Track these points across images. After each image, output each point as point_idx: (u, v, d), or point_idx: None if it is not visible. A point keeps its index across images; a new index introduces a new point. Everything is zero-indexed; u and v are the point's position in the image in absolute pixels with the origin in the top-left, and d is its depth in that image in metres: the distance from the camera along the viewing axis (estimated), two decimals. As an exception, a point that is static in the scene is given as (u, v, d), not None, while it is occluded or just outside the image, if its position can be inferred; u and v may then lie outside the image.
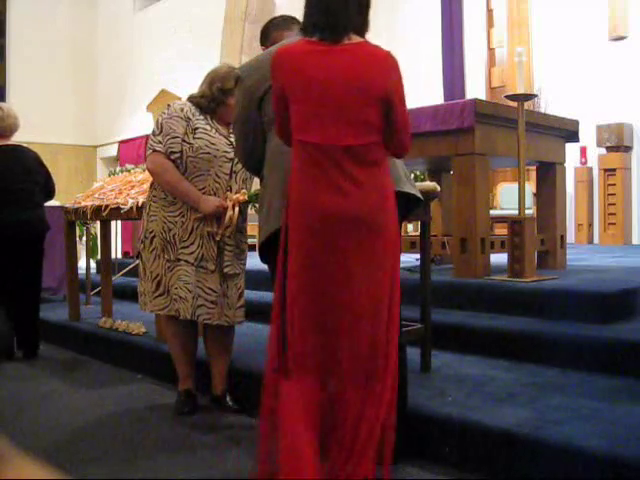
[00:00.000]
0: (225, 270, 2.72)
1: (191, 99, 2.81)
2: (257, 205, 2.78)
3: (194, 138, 2.69)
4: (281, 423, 1.76)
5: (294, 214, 1.81)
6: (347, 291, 1.77)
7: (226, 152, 2.72)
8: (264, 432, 1.85)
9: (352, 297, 1.77)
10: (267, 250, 2.12)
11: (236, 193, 2.74)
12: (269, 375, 1.86)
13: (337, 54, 1.80)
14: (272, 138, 2.11)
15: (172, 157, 2.69)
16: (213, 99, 2.76)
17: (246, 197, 2.74)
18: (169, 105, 2.80)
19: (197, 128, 2.70)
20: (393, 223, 1.82)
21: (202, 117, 2.74)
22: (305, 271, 1.79)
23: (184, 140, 2.69)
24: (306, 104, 1.78)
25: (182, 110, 2.73)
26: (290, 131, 1.83)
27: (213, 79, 2.78)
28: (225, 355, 2.86)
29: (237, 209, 2.68)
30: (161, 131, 2.72)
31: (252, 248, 3.22)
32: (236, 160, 2.72)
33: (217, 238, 2.69)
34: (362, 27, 1.84)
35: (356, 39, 1.81)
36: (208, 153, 2.68)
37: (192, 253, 2.69)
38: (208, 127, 2.73)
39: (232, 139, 2.75)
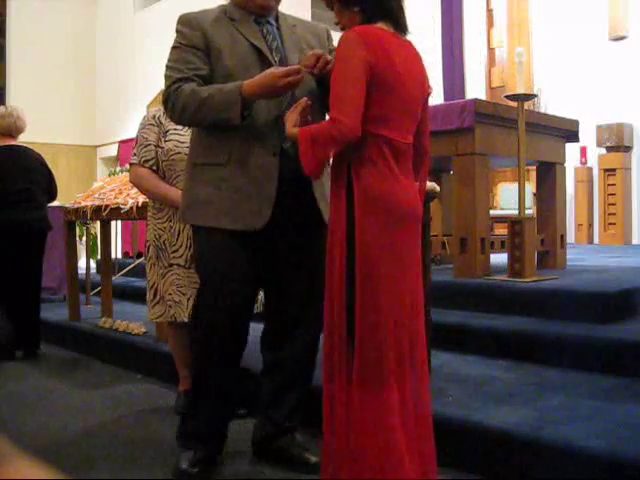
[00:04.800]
0: None
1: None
2: None
3: (165, 141, 2.67)
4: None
5: (369, 211, 1.67)
6: (414, 288, 1.75)
7: None
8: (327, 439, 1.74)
9: (417, 294, 1.76)
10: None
11: None
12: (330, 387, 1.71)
13: (406, 47, 1.74)
14: None
15: (146, 165, 2.68)
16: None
17: None
18: (145, 114, 2.79)
19: (168, 130, 2.69)
20: None
21: None
22: (381, 273, 1.67)
23: (157, 145, 2.68)
24: (391, 97, 1.67)
25: (154, 117, 2.73)
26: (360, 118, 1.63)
27: None
28: None
29: None
30: (136, 143, 2.74)
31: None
32: None
33: None
34: None
35: None
36: (178, 153, 2.64)
37: (182, 256, 2.67)
38: (180, 126, 2.67)
39: None
